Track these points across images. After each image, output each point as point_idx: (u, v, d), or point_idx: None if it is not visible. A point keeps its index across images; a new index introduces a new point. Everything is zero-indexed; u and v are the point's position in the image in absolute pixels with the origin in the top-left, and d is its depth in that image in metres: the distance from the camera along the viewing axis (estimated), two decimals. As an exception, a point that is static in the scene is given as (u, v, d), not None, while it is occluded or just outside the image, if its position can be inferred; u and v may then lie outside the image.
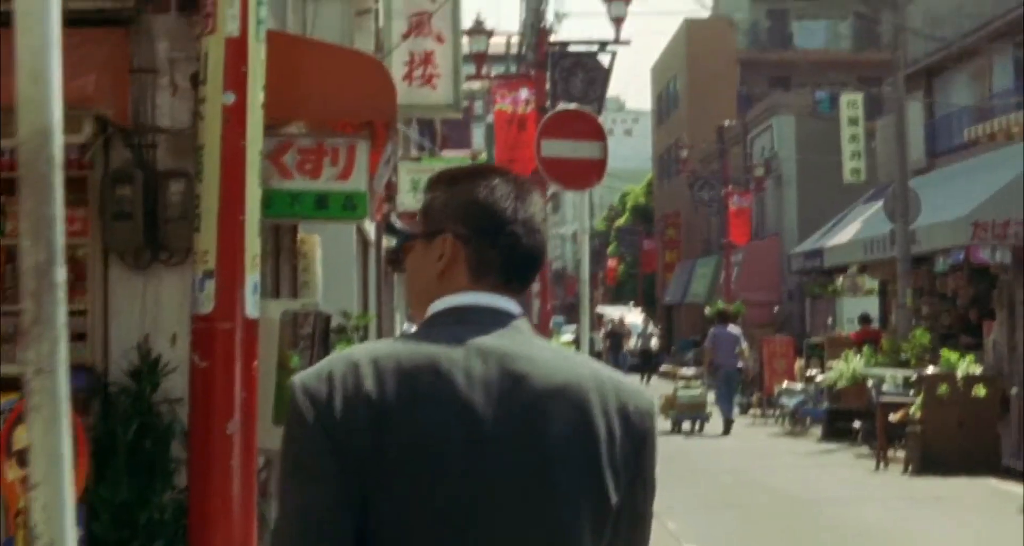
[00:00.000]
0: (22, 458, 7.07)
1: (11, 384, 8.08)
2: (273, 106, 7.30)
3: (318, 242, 11.98)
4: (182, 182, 7.45)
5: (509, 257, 2.57)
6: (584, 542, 2.43)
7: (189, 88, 7.44)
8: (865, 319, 28.50)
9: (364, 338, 10.78)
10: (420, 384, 2.39)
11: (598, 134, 11.96)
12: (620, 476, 2.47)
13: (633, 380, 2.66)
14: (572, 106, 15.36)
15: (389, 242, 21.84)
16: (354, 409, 2.37)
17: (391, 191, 19.84)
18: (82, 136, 7.23)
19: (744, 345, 26.68)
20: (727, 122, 49.83)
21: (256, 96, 6.80)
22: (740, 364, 26.61)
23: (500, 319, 2.53)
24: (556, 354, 2.53)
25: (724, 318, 27.32)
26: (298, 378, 2.45)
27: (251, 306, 6.69)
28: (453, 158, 23.81)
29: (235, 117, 6.70)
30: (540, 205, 2.64)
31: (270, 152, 8.25)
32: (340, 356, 2.47)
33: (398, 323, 28.49)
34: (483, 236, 2.56)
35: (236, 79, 6.68)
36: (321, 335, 8.33)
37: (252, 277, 6.72)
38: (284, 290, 11.38)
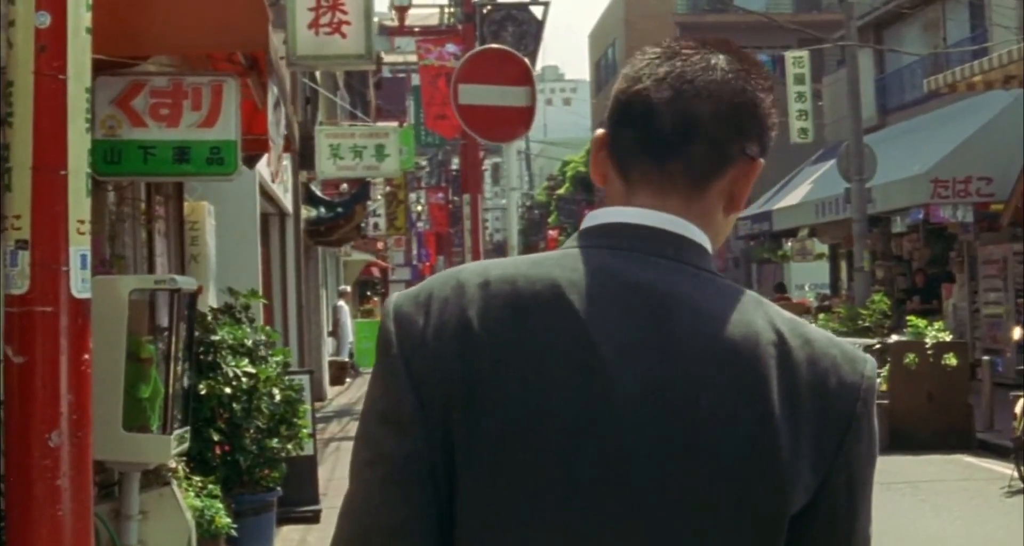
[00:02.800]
0: None
1: None
2: (112, 36, 6.00)
3: (209, 210, 10.55)
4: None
5: (645, 134, 1.93)
6: None
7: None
8: (779, 288, 28.11)
9: (253, 321, 9.34)
10: (536, 322, 1.82)
11: (525, 78, 10.45)
12: (809, 473, 1.83)
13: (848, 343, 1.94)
14: (494, 46, 13.78)
15: (309, 212, 20.60)
16: (448, 345, 1.83)
17: (302, 151, 18.37)
18: None
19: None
20: (667, 86, 48.86)
21: (79, 17, 5.46)
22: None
23: (663, 244, 1.90)
24: (730, 300, 1.87)
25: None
26: (395, 297, 1.96)
27: (77, 284, 5.35)
28: (382, 127, 22.38)
29: (52, 44, 5.36)
30: (720, 70, 1.97)
31: (117, 96, 6.90)
32: (448, 273, 1.94)
33: (324, 301, 27.21)
34: (616, 116, 1.98)
35: (51, -6, 5.32)
36: (184, 318, 6.87)
37: (78, 248, 5.41)
38: (171, 266, 9.96)
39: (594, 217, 1.97)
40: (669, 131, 1.92)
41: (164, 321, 6.87)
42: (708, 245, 1.95)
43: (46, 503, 5.26)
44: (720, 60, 1.98)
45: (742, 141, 1.96)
